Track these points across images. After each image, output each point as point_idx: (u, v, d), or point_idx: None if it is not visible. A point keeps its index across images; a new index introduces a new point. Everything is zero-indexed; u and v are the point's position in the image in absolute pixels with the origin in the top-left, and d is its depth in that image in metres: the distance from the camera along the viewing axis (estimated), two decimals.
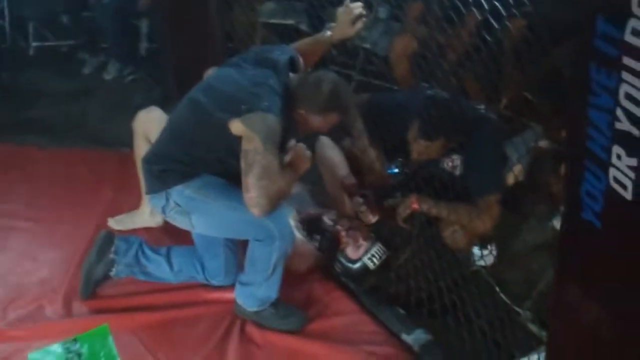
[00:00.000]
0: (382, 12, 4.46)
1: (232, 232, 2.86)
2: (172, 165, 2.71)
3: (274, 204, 2.56)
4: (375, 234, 3.17)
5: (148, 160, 2.82)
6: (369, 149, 3.27)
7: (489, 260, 3.06)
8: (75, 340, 2.85)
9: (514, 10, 2.59)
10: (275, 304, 2.92)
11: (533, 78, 3.39)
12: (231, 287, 3.01)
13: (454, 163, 3.10)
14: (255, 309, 2.92)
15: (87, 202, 3.78)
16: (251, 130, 2.51)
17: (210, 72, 3.03)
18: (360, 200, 3.16)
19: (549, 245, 2.94)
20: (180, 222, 2.81)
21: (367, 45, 4.37)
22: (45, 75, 5.20)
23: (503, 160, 3.03)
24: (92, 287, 3.06)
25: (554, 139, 3.25)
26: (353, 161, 3.34)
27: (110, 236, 3.07)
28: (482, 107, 3.11)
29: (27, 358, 2.77)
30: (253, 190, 2.51)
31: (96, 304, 3.07)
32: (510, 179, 3.04)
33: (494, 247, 3.10)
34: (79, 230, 3.52)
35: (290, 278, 2.99)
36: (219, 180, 2.71)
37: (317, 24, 3.95)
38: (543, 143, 3.24)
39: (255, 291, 2.88)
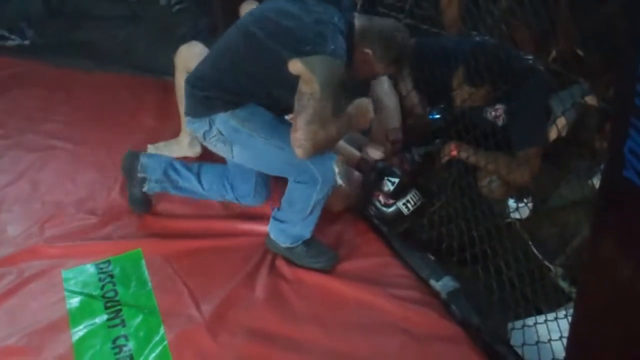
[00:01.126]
0: None
1: (273, 169, 2.83)
2: (218, 93, 2.64)
3: (319, 149, 2.50)
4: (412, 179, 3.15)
5: (193, 84, 2.73)
6: (412, 92, 3.23)
7: (524, 212, 3.02)
8: (108, 261, 2.91)
9: None
10: (308, 243, 2.92)
11: (585, 31, 3.30)
12: (265, 220, 3.03)
13: (497, 113, 3.06)
14: (288, 244, 2.92)
15: (128, 127, 3.82)
16: (312, 73, 2.42)
17: (247, 6, 2.98)
18: (398, 172, 3.12)
19: (586, 202, 2.90)
20: (221, 150, 2.77)
21: None
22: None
23: (548, 113, 2.97)
24: (137, 205, 3.15)
25: (601, 95, 3.18)
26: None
27: (134, 155, 3.10)
28: (531, 57, 3.04)
29: (61, 274, 2.84)
30: (300, 132, 2.44)
31: (132, 227, 3.12)
32: (553, 133, 2.98)
33: (530, 200, 3.06)
34: (118, 154, 3.55)
35: (325, 216, 2.99)
36: (266, 115, 2.65)
37: None
38: (589, 99, 3.17)
39: (290, 229, 2.88)
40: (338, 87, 2.47)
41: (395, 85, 3.28)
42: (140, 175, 3.06)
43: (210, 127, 2.68)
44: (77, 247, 2.99)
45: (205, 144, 2.82)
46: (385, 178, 3.07)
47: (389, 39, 2.67)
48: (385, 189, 3.06)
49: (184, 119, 3.00)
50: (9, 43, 4.70)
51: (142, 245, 2.99)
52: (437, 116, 3.23)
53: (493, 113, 3.06)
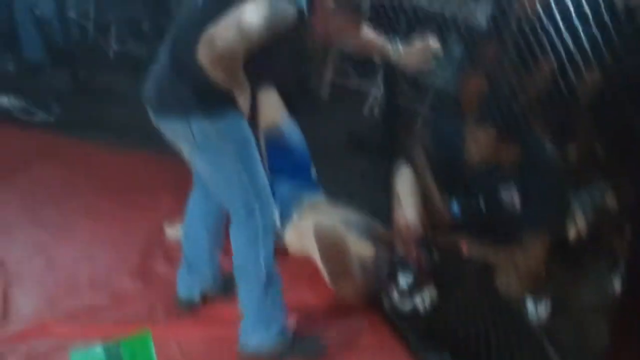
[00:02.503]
0: (456, 50, 4.43)
1: (223, 187, 2.62)
2: (190, 85, 2.45)
3: (230, 61, 2.26)
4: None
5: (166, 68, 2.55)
6: (432, 185, 3.22)
7: (542, 313, 2.98)
8: (117, 344, 2.87)
9: (592, 61, 2.54)
10: (284, 333, 2.77)
11: (606, 132, 3.31)
12: None
13: (513, 195, 3.03)
14: (264, 342, 2.74)
15: (147, 206, 3.83)
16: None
17: None
18: (415, 267, 3.09)
19: (607, 304, 2.85)
20: (185, 148, 2.62)
21: (439, 83, 4.34)
22: (122, 78, 5.30)
23: (561, 204, 2.95)
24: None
25: (621, 196, 3.16)
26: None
27: None
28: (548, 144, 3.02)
29: (69, 356, 2.81)
30: (217, 31, 2.20)
31: (143, 310, 3.10)
32: (572, 232, 2.96)
33: (548, 301, 3.01)
34: (135, 233, 3.57)
35: (338, 308, 2.96)
36: (244, 131, 2.52)
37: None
38: (609, 199, 3.15)
39: (257, 316, 2.71)
40: (274, 34, 2.27)
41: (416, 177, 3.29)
42: None
43: (186, 126, 2.49)
44: (88, 326, 2.96)
45: (172, 139, 2.65)
46: (400, 275, 3.03)
47: None
48: (400, 287, 3.03)
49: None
50: (35, 118, 4.78)
51: (152, 327, 2.96)
52: (456, 209, 3.21)
53: (508, 196, 3.03)
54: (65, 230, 3.63)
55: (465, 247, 3.00)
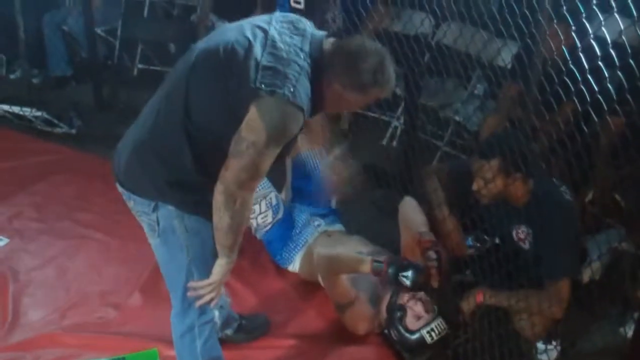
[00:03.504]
0: (479, 88, 4.46)
1: (171, 275, 2.52)
2: (167, 172, 2.30)
3: (237, 200, 2.13)
4: (439, 308, 3.09)
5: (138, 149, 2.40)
6: (449, 218, 3.22)
7: (552, 355, 2.95)
8: (123, 358, 2.87)
9: (616, 107, 2.53)
10: None
11: (624, 178, 3.30)
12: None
13: (522, 235, 3.02)
14: None
15: None
16: (261, 118, 2.05)
17: None
18: (434, 256, 3.04)
19: (617, 350, 2.82)
20: (145, 227, 2.49)
21: (459, 119, 4.35)
22: (144, 96, 5.29)
23: (577, 247, 2.92)
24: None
25: (636, 243, 3.14)
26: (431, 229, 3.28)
27: None
28: (565, 189, 3.00)
29: None
30: (230, 173, 2.10)
31: (151, 325, 3.09)
32: (586, 276, 2.94)
33: (559, 343, 2.98)
34: (148, 249, 3.55)
35: (348, 339, 2.94)
36: (209, 239, 2.35)
37: (414, 90, 3.98)
38: (625, 245, 3.14)
39: None
40: (286, 142, 2.14)
41: (432, 210, 3.27)
42: None
43: (153, 211, 2.36)
44: (95, 339, 2.97)
45: (133, 211, 2.50)
46: (400, 275, 2.96)
47: (362, 58, 2.12)
48: (405, 285, 2.95)
49: None
50: (57, 130, 4.82)
51: (158, 345, 2.96)
52: (471, 243, 3.20)
53: (519, 234, 3.02)
54: (79, 243, 3.65)
55: (481, 296, 2.97)
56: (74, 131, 4.83)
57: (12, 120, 4.91)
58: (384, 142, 4.84)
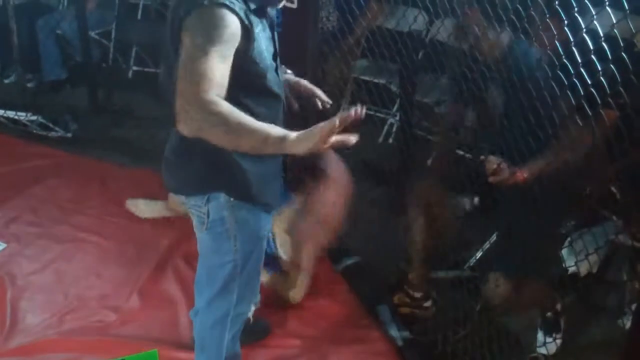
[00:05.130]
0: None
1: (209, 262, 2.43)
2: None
3: (199, 110, 1.82)
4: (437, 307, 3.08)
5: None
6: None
7: (552, 348, 2.95)
8: None
9: (609, 100, 2.53)
10: None
11: (621, 171, 3.30)
12: None
13: None
14: None
15: (158, 225, 3.84)
16: (186, 30, 1.92)
17: None
18: None
19: (616, 343, 2.82)
20: (196, 224, 2.39)
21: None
22: (139, 98, 5.33)
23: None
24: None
25: (634, 235, 3.15)
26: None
27: None
28: None
29: None
30: (178, 97, 1.86)
31: (150, 328, 3.09)
32: (584, 269, 2.94)
33: (559, 337, 2.98)
34: (147, 251, 3.57)
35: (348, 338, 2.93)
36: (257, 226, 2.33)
37: (409, 87, 3.98)
38: (622, 238, 3.14)
39: None
40: (231, 42, 1.93)
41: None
42: None
43: (205, 203, 2.26)
44: (94, 343, 2.97)
45: (186, 206, 2.39)
46: None
47: None
48: None
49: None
50: (52, 134, 4.82)
51: (158, 347, 2.96)
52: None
53: None
54: (76, 246, 3.65)
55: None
56: (69, 135, 4.83)
57: (7, 125, 4.90)
58: (380, 139, 4.85)
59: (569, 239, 3.04)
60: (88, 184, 4.21)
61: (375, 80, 4.57)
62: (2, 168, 4.34)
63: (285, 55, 2.91)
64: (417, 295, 3.24)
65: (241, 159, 2.16)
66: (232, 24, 1.92)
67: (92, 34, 5.37)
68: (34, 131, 4.84)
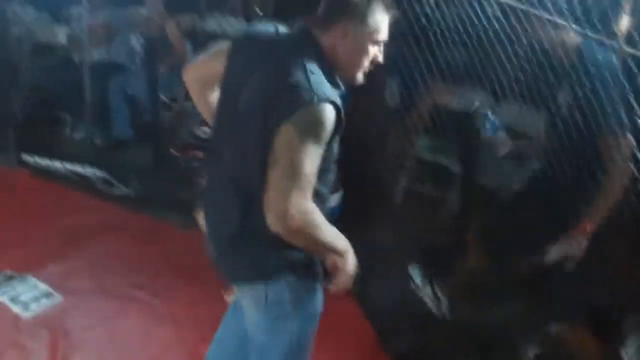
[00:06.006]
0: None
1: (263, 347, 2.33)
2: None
3: (300, 219, 1.94)
4: None
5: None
6: None
7: None
8: None
9: None
10: None
11: None
12: None
13: None
14: None
15: (211, 284, 3.81)
16: (289, 123, 1.97)
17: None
18: None
19: None
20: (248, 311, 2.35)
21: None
22: (200, 160, 5.41)
23: None
24: None
25: None
26: None
27: None
28: None
29: None
30: (272, 189, 1.96)
31: None
32: None
33: None
34: (197, 313, 3.57)
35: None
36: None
37: (471, 170, 3.96)
38: None
39: None
40: (328, 137, 2.03)
41: None
42: None
43: (264, 285, 2.21)
44: None
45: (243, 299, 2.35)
46: None
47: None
48: None
49: None
50: (115, 190, 4.92)
51: None
52: None
53: None
54: (129, 303, 3.68)
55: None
56: (131, 193, 4.91)
57: (73, 179, 5.03)
58: (437, 220, 4.81)
59: None
60: (147, 243, 4.26)
61: (436, 160, 4.56)
62: (64, 221, 4.43)
63: (349, 130, 2.95)
64: None
65: None
66: (333, 122, 2.02)
67: (162, 96, 5.51)
68: (98, 186, 4.94)
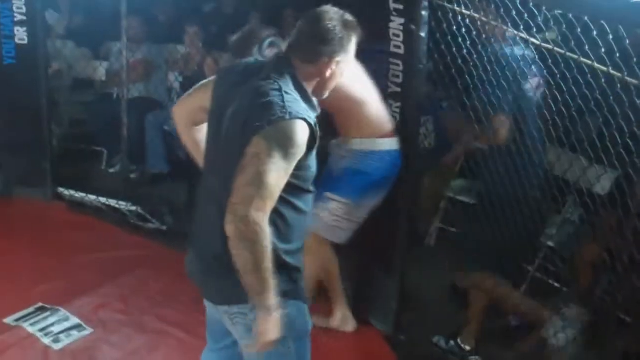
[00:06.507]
0: (575, 215, 4.33)
1: None
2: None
3: (252, 222, 2.01)
4: None
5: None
6: None
7: None
8: None
9: None
10: None
11: None
12: None
13: None
14: None
15: None
16: (260, 137, 2.05)
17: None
18: None
19: None
20: (240, 333, 2.34)
21: (553, 245, 4.23)
22: None
23: None
24: None
25: None
26: None
27: None
28: None
29: None
30: (236, 193, 2.04)
31: None
32: None
33: None
34: None
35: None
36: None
37: None
38: None
39: None
40: (297, 156, 2.10)
41: None
42: None
43: (251, 310, 2.19)
44: None
45: (226, 316, 2.36)
46: None
47: (321, 22, 2.20)
48: None
49: None
50: (149, 225, 4.94)
51: None
52: None
53: None
54: (160, 338, 3.68)
55: None
56: (165, 228, 4.93)
57: (108, 213, 5.08)
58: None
59: None
60: (179, 278, 4.21)
61: (471, 202, 4.52)
62: (98, 254, 4.46)
63: None
64: None
65: (291, 258, 2.24)
66: (305, 138, 2.10)
67: None
68: (132, 221, 4.97)
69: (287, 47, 2.26)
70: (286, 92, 2.12)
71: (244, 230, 2.02)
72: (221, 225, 2.10)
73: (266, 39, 3.07)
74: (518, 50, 3.38)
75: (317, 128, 2.15)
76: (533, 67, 3.45)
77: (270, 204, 2.06)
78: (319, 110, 2.26)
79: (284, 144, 2.05)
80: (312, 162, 2.22)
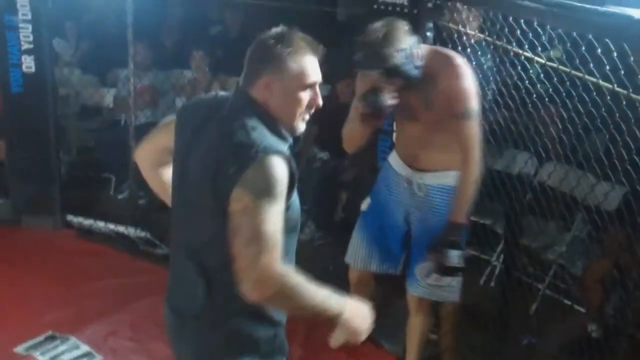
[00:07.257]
0: (583, 231, 4.32)
1: None
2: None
3: (274, 283, 1.87)
4: None
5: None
6: None
7: None
8: None
9: None
10: None
11: None
12: None
13: None
14: None
15: None
16: (240, 187, 1.90)
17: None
18: None
19: None
20: None
21: (562, 262, 4.21)
22: None
23: None
24: None
25: None
26: None
27: None
28: None
29: None
30: (240, 258, 1.88)
31: None
32: None
33: None
34: None
35: None
36: None
37: (516, 231, 3.90)
38: None
39: None
40: (284, 190, 1.95)
41: None
42: None
43: None
44: None
45: None
46: None
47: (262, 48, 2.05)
48: None
49: None
50: (158, 251, 4.93)
51: None
52: None
53: None
54: None
55: None
56: None
57: (116, 239, 5.08)
58: (481, 282, 4.73)
59: None
60: None
61: (481, 221, 4.51)
62: (107, 281, 4.46)
63: None
64: None
65: (273, 310, 2.10)
66: (284, 170, 1.94)
67: None
68: (141, 247, 4.97)
69: (241, 77, 2.12)
70: (252, 128, 1.97)
71: (266, 291, 1.87)
72: (203, 283, 2.02)
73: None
74: None
75: (293, 162, 1.99)
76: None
77: (278, 250, 1.89)
78: (290, 140, 2.10)
79: (266, 186, 1.90)
80: (295, 200, 2.08)
